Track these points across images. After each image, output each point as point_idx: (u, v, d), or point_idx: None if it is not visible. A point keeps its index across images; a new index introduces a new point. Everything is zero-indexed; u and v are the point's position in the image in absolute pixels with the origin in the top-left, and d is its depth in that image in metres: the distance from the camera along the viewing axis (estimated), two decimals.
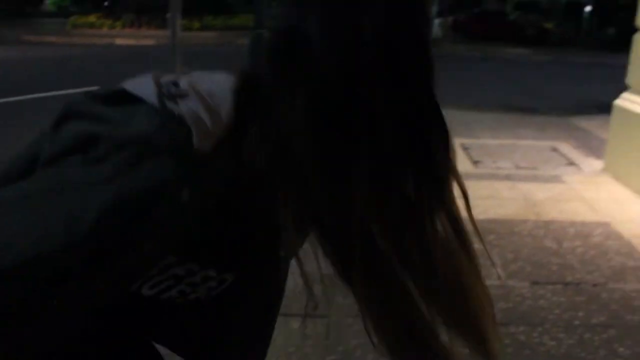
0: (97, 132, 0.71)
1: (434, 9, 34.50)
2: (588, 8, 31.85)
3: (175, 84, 0.76)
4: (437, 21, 30.93)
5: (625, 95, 5.76)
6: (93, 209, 0.67)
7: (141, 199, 0.69)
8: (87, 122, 0.74)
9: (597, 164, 6.11)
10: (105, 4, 32.45)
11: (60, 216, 0.68)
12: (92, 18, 28.00)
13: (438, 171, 0.86)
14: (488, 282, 1.04)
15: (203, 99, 0.74)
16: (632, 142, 5.37)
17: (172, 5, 5.70)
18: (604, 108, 9.21)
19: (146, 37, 22.10)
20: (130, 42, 21.87)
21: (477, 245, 3.15)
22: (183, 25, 22.85)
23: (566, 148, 6.79)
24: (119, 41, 22.19)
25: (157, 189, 0.70)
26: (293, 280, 0.96)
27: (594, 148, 6.78)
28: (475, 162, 6.03)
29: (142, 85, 0.76)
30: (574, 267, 3.70)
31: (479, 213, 4.55)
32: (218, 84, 0.78)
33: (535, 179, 5.53)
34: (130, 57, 15.48)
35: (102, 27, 26.82)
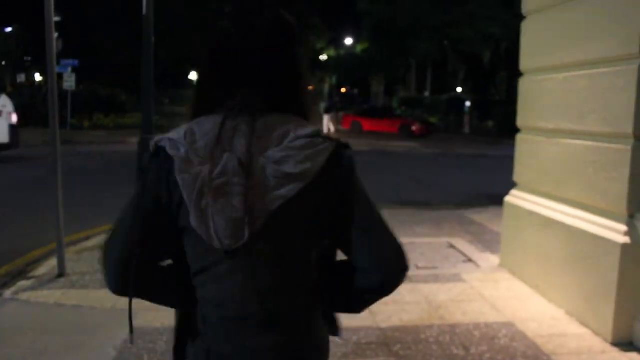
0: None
1: (323, 105, 35.67)
2: (468, 103, 33.87)
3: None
4: (326, 117, 31.85)
5: (514, 192, 5.90)
6: None
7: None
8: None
9: (493, 259, 6.17)
10: None
11: None
12: None
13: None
14: None
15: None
16: (524, 237, 5.46)
17: (51, 106, 5.38)
18: (492, 199, 9.55)
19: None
20: None
21: (383, 358, 3.02)
22: (72, 123, 22.07)
23: (462, 244, 6.85)
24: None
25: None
26: None
27: (488, 242, 6.89)
28: None
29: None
30: None
31: (383, 320, 4.40)
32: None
33: (436, 279, 5.47)
34: (9, 157, 14.71)
35: None
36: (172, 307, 1.53)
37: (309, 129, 1.37)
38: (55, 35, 5.53)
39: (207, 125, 1.36)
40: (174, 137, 1.35)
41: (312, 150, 1.33)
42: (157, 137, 1.38)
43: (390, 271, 1.42)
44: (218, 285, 1.37)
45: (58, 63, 22.67)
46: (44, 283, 5.23)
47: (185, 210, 1.32)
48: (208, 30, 1.48)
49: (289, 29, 1.43)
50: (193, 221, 1.30)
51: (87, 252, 6.25)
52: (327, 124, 31.63)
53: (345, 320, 4.64)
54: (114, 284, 1.41)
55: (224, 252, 1.32)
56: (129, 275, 1.36)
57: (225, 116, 1.35)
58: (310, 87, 1.51)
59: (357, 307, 1.55)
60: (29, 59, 46.51)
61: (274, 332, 1.38)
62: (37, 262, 5.97)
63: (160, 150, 1.35)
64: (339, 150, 1.39)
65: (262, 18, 1.39)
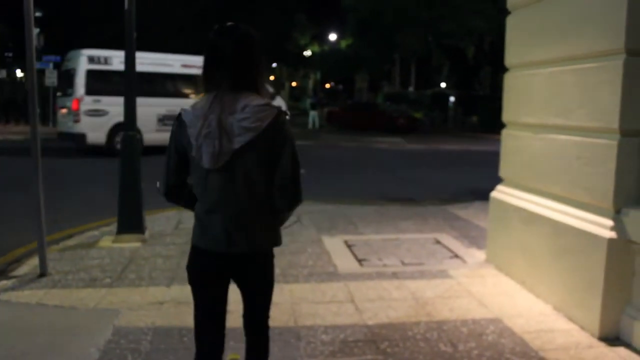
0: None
1: (308, 101, 35.53)
2: (452, 98, 33.93)
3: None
4: (313, 113, 31.73)
5: (499, 187, 5.89)
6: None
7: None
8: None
9: (479, 254, 6.16)
10: None
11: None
12: None
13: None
14: None
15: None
16: (510, 233, 5.45)
17: (31, 102, 5.29)
18: (477, 194, 9.56)
19: (13, 133, 21.07)
20: None
21: (371, 356, 3.09)
22: (55, 120, 21.61)
23: (448, 239, 6.84)
24: None
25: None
26: None
27: (474, 238, 6.88)
28: (361, 261, 5.88)
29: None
30: None
31: (369, 318, 4.38)
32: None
33: (422, 275, 5.45)
34: None
35: None
36: (189, 207, 2.64)
37: (262, 101, 2.43)
38: (37, 30, 5.44)
39: (203, 101, 2.46)
40: (187, 110, 2.47)
41: (263, 113, 2.39)
42: (181, 109, 2.51)
43: (298, 200, 2.57)
44: (206, 190, 2.47)
45: (39, 59, 22.45)
46: (25, 283, 5.14)
47: (190, 148, 2.42)
48: (204, 42, 2.51)
49: (251, 41, 2.48)
50: (194, 153, 2.40)
51: (69, 251, 6.16)
52: (313, 119, 31.58)
53: (332, 317, 4.60)
54: (167, 195, 2.63)
55: (208, 171, 2.41)
56: (174, 188, 2.60)
57: (214, 95, 2.42)
58: (266, 78, 2.58)
59: (284, 217, 2.65)
60: (10, 54, 45.93)
61: (252, 226, 2.50)
62: (19, 261, 5.87)
63: (179, 116, 2.49)
64: (279, 114, 2.44)
65: (234, 35, 2.46)
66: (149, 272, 5.44)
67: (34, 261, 5.57)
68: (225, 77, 2.42)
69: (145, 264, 5.68)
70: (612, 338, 4.06)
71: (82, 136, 15.75)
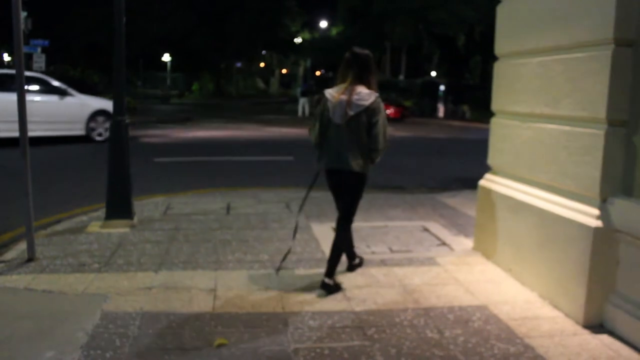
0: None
1: (299, 89, 35.44)
2: (442, 87, 33.94)
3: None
4: (302, 100, 31.74)
5: (488, 176, 5.92)
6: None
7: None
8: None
9: (467, 242, 6.20)
10: None
11: None
12: None
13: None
14: None
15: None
16: (498, 221, 5.49)
17: (19, 87, 5.25)
18: (465, 182, 9.61)
19: None
20: None
21: (358, 342, 3.11)
22: None
23: (436, 227, 6.87)
24: None
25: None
26: None
27: (462, 226, 6.92)
28: None
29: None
30: (458, 359, 3.58)
31: (357, 304, 4.40)
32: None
33: (410, 262, 5.49)
34: None
35: None
36: (321, 148, 4.75)
37: (369, 90, 4.61)
38: (24, 14, 5.37)
39: (338, 88, 4.67)
40: (329, 91, 4.70)
41: (368, 97, 4.56)
42: (324, 91, 4.77)
43: (380, 147, 4.64)
44: (335, 136, 4.62)
45: (27, 43, 22.21)
46: (13, 267, 5.13)
47: (326, 111, 4.65)
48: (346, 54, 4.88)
49: (367, 58, 4.72)
50: (330, 114, 4.61)
51: (57, 236, 6.15)
52: (303, 107, 31.57)
53: (319, 303, 4.61)
54: (316, 142, 4.77)
55: (337, 125, 4.59)
56: (319, 137, 4.74)
57: (345, 85, 4.64)
58: (375, 79, 4.78)
59: (373, 156, 4.66)
60: None
61: (351, 156, 4.55)
62: (6, 245, 5.86)
63: (323, 94, 4.73)
64: (376, 98, 4.58)
65: (359, 55, 4.71)
66: (137, 257, 5.45)
67: (22, 246, 5.56)
68: (351, 76, 4.61)
69: (133, 250, 5.68)
70: (596, 326, 4.11)
71: None
